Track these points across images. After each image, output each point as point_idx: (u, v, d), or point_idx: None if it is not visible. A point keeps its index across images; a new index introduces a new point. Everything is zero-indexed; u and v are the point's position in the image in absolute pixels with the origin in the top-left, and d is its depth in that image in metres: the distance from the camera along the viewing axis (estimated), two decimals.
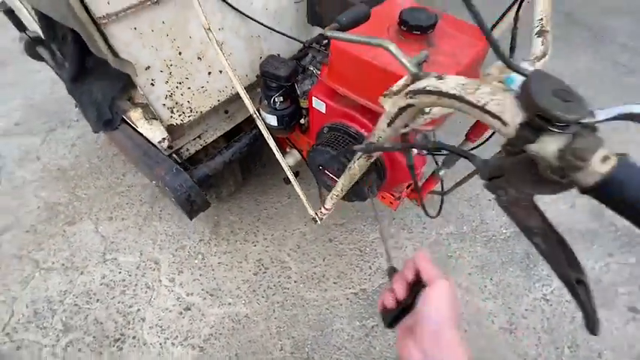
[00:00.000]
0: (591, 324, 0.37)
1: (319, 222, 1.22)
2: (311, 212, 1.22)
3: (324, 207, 1.17)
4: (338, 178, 0.98)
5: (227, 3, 0.91)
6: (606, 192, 0.30)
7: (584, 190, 0.31)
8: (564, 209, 1.64)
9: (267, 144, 1.04)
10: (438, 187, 1.18)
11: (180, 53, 0.89)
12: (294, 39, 1.08)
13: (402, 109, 0.47)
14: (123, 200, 1.79)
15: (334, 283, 1.43)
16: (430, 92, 0.40)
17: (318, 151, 0.99)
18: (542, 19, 0.72)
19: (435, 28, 0.80)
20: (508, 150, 0.35)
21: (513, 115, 0.33)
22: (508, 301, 1.35)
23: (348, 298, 1.39)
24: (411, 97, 0.44)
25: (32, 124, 2.25)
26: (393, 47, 0.50)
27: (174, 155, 1.21)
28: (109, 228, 1.67)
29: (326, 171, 1.02)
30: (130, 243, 1.61)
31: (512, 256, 1.49)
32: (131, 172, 1.90)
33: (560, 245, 0.37)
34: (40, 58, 1.68)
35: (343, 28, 0.60)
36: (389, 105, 0.49)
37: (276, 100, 1.05)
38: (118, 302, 1.42)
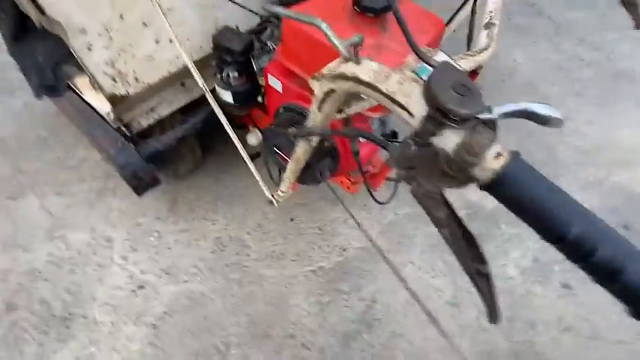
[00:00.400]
0: (492, 314, 0.40)
1: (275, 204, 1.22)
2: (268, 194, 1.21)
3: (280, 190, 1.17)
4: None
5: None
6: (500, 189, 0.31)
7: (483, 187, 0.33)
8: None
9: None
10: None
11: (121, 17, 0.82)
12: (251, 11, 1.03)
13: (327, 94, 0.47)
14: (73, 175, 1.68)
15: (292, 260, 1.46)
16: (347, 77, 0.40)
17: (273, 131, 0.97)
18: (492, 11, 0.73)
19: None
20: (416, 141, 0.36)
21: (419, 107, 0.34)
22: (455, 278, 1.44)
23: (305, 276, 1.42)
24: (332, 82, 0.44)
25: None
26: (324, 26, 0.49)
27: (123, 129, 1.14)
28: (57, 204, 1.58)
29: (281, 152, 1.01)
30: (81, 220, 1.54)
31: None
32: (83, 145, 1.78)
33: (466, 238, 0.39)
34: None
35: (285, 3, 0.57)
36: (317, 88, 0.48)
37: (230, 75, 1.01)
38: (67, 281, 1.37)
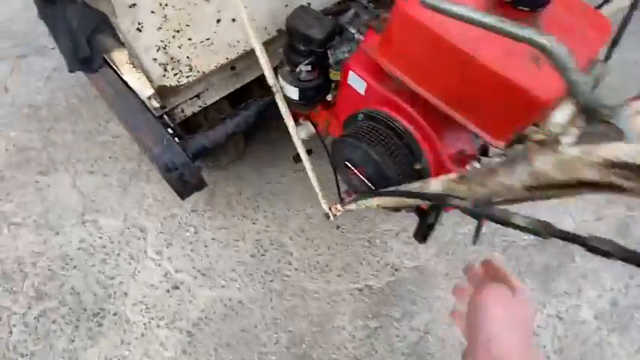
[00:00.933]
0: None
1: (332, 219, 1.05)
2: (325, 207, 1.04)
3: (341, 206, 1.00)
4: (373, 184, 0.79)
5: None
6: None
7: None
8: (590, 220, 1.50)
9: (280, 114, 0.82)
10: None
11: None
12: None
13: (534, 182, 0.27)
14: (105, 152, 1.56)
15: (338, 275, 1.31)
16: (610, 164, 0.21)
17: (349, 144, 0.78)
18: None
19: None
20: None
21: None
22: None
23: (351, 294, 1.28)
24: (602, 168, 0.24)
25: None
26: (561, 50, 0.28)
27: (165, 117, 0.98)
28: (89, 184, 1.48)
29: (355, 170, 0.82)
30: (113, 204, 1.43)
31: (531, 266, 1.38)
32: (116, 119, 1.64)
33: None
34: None
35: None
36: (543, 162, 0.29)
37: (302, 68, 0.80)
38: (98, 272, 1.28)
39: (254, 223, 1.41)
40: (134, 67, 0.92)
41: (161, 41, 0.67)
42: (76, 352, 1.14)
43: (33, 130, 1.61)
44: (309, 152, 1.24)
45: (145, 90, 0.89)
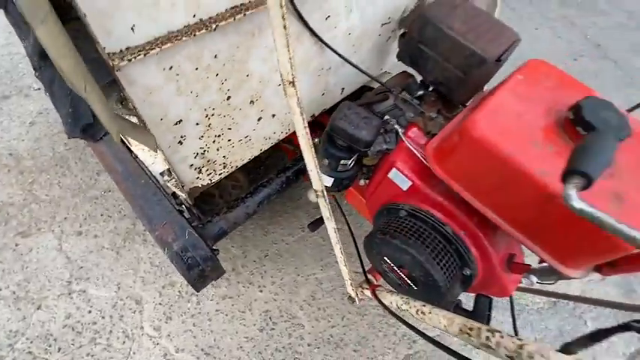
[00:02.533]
0: None
1: (358, 303, 0.99)
2: (350, 291, 0.98)
3: (370, 291, 0.94)
4: (412, 283, 0.74)
5: (310, 29, 0.59)
6: None
7: None
8: (595, 279, 1.53)
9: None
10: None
11: (228, 98, 0.57)
12: (375, 79, 0.78)
13: None
14: (97, 210, 1.44)
15: (354, 351, 1.24)
16: None
17: (391, 242, 0.73)
18: None
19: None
20: None
21: None
22: None
23: None
24: None
25: None
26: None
27: (183, 196, 0.90)
28: (77, 246, 1.34)
29: (396, 268, 0.78)
30: (105, 271, 1.30)
31: (546, 332, 1.36)
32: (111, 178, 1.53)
33: None
34: None
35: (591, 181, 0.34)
36: None
37: (344, 163, 0.76)
38: (87, 354, 1.14)
39: (261, 291, 1.32)
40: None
41: (201, 148, 0.61)
42: None
43: (13, 184, 1.46)
44: (321, 222, 1.19)
45: (157, 167, 0.81)
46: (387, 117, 0.81)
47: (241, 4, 0.46)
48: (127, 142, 0.94)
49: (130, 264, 1.32)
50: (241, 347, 1.20)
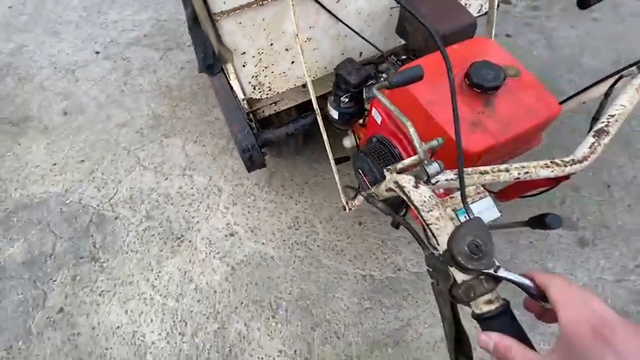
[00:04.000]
0: None
1: (347, 211, 1.38)
2: (343, 200, 1.37)
3: (354, 201, 1.32)
4: (370, 186, 1.10)
5: (323, 7, 0.99)
6: (482, 325, 0.41)
7: (473, 315, 0.43)
8: (609, 280, 1.53)
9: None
10: None
11: (271, 44, 1.03)
12: (375, 47, 1.13)
13: (389, 189, 0.58)
14: (208, 129, 2.13)
15: (349, 260, 1.63)
16: (403, 192, 0.51)
17: (361, 157, 1.11)
18: (614, 115, 0.70)
19: (501, 88, 0.81)
20: (439, 260, 0.46)
21: (443, 245, 0.44)
22: None
23: (355, 277, 1.59)
24: (395, 185, 0.55)
25: (156, 39, 2.66)
26: (411, 129, 0.59)
27: (250, 115, 1.43)
28: (193, 149, 2.05)
29: (362, 175, 1.14)
30: (205, 167, 1.98)
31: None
32: (219, 107, 2.20)
33: (460, 336, 0.49)
34: None
35: (394, 86, 0.68)
36: (387, 178, 0.60)
37: (343, 99, 1.15)
38: (186, 211, 1.83)
39: (297, 204, 1.81)
40: (237, 80, 1.38)
41: (255, 72, 1.09)
42: (162, 258, 1.69)
43: (165, 104, 2.26)
44: (347, 159, 1.60)
45: (241, 94, 1.34)
46: (382, 76, 1.16)
47: None
48: (227, 77, 1.51)
49: (220, 167, 1.97)
50: (274, 233, 1.73)
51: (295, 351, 1.43)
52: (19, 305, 1.59)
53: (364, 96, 1.18)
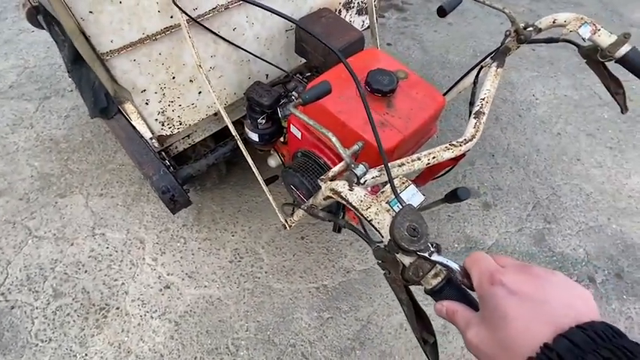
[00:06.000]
0: None
1: (288, 228, 1.38)
2: (282, 219, 1.37)
3: (293, 218, 1.33)
4: (306, 199, 1.12)
5: (220, 37, 1.00)
6: (435, 295, 0.46)
7: (425, 291, 0.47)
8: (512, 232, 1.83)
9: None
10: None
11: (173, 78, 0.99)
12: (279, 68, 1.18)
13: (327, 197, 0.61)
14: (113, 178, 1.90)
15: (300, 277, 1.62)
16: (341, 196, 0.55)
17: (290, 174, 1.12)
18: (484, 99, 0.85)
19: (397, 90, 0.92)
20: (386, 249, 0.50)
21: (386, 235, 0.48)
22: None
23: (310, 292, 1.58)
24: (332, 192, 0.58)
25: (26, 89, 2.29)
26: (334, 139, 0.63)
27: (162, 153, 1.33)
28: (99, 204, 1.80)
29: (297, 191, 1.16)
30: (118, 220, 1.75)
31: None
32: (122, 151, 1.99)
33: (420, 315, 0.53)
34: (40, 26, 1.70)
35: (307, 103, 0.71)
36: (323, 188, 0.63)
37: (260, 121, 1.16)
38: (105, 275, 1.59)
39: (233, 235, 1.73)
40: (140, 115, 1.28)
41: (161, 108, 1.03)
42: (86, 338, 1.43)
43: (53, 160, 1.95)
44: (276, 177, 1.60)
45: (147, 134, 1.24)
46: (292, 93, 1.21)
47: (170, 26, 0.87)
48: (127, 118, 1.38)
49: (137, 216, 1.77)
50: (215, 273, 1.62)
51: None
52: None
53: (280, 115, 1.21)
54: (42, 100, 2.24)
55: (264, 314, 1.51)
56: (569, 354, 0.26)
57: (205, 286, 1.57)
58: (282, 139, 1.30)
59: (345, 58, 0.94)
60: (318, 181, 0.64)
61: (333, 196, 0.58)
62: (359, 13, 1.44)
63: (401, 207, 0.48)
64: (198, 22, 0.90)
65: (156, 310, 1.50)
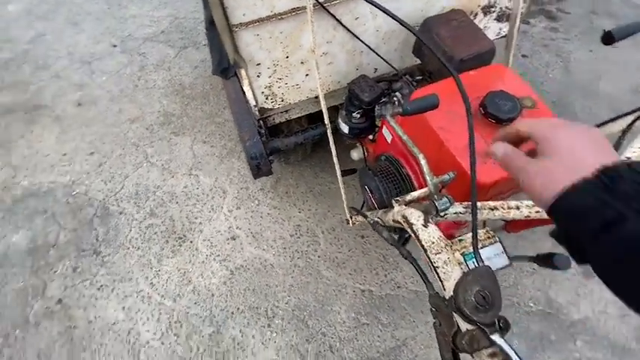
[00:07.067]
0: None
1: (350, 225, 1.37)
2: (347, 214, 1.36)
3: (358, 218, 1.31)
4: (377, 205, 1.09)
5: (341, 24, 0.99)
6: None
7: None
8: (613, 315, 1.50)
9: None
10: None
11: (287, 57, 1.03)
12: (390, 65, 1.12)
13: (395, 221, 0.57)
14: (217, 130, 2.14)
15: (349, 273, 1.62)
16: (411, 228, 0.50)
17: (368, 175, 1.10)
18: (629, 158, 0.68)
19: (517, 119, 0.80)
20: (444, 302, 0.45)
21: (449, 290, 0.43)
22: None
23: (354, 291, 1.58)
24: (403, 219, 0.54)
25: (172, 37, 2.68)
26: (423, 162, 0.58)
27: (260, 121, 1.42)
28: (201, 149, 2.06)
29: (369, 193, 1.14)
30: (211, 168, 1.98)
31: (527, 331, 1.47)
32: (229, 110, 2.21)
33: None
34: None
35: (408, 114, 0.67)
36: (395, 210, 0.59)
37: (354, 115, 1.15)
38: (189, 211, 1.83)
39: (299, 212, 1.80)
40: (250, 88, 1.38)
41: (268, 83, 1.09)
42: (162, 257, 1.69)
43: (177, 102, 2.28)
44: (354, 171, 1.59)
45: (252, 102, 1.34)
46: (395, 95, 1.15)
47: (297, 7, 0.89)
48: (240, 82, 1.51)
49: (226, 169, 1.97)
50: (275, 241, 1.73)
51: None
52: (19, 293, 1.60)
53: (376, 113, 1.17)
54: (181, 49, 2.59)
55: (305, 294, 1.57)
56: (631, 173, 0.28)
57: (264, 249, 1.70)
58: (371, 136, 1.27)
59: (467, 71, 0.85)
60: (393, 201, 0.61)
61: (402, 224, 0.54)
62: (498, 19, 1.27)
63: (476, 265, 0.42)
64: (324, 8, 0.91)
65: (219, 255, 1.69)
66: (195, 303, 1.56)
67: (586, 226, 0.29)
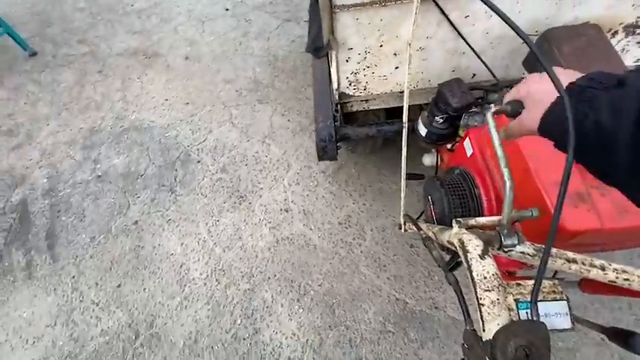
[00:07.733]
0: None
1: (402, 231, 1.31)
2: (401, 219, 1.31)
3: (412, 226, 1.25)
4: (435, 219, 1.03)
5: (449, 20, 0.92)
6: None
7: None
8: None
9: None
10: None
11: (381, 46, 1.00)
12: (492, 73, 1.01)
13: (450, 242, 0.52)
14: (296, 106, 2.21)
15: (388, 278, 1.58)
16: (465, 257, 0.46)
17: (436, 185, 1.03)
18: None
19: None
20: (479, 343, 0.41)
21: (490, 333, 0.38)
22: None
23: (389, 297, 1.54)
24: (459, 244, 0.49)
25: (278, 8, 2.80)
26: (509, 188, 0.51)
27: (339, 106, 1.43)
28: (278, 121, 2.16)
29: (431, 204, 1.07)
30: (282, 141, 2.07)
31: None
32: (311, 89, 2.26)
33: None
34: None
35: (513, 115, 0.58)
36: (454, 230, 0.54)
37: (437, 119, 1.08)
38: (255, 175, 1.95)
39: (354, 203, 1.80)
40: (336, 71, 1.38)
41: (356, 69, 1.08)
42: (223, 210, 1.85)
43: (268, 72, 2.40)
44: (421, 177, 1.51)
45: (335, 85, 1.34)
46: (488, 107, 1.04)
47: None
48: (329, 64, 1.52)
49: (296, 144, 2.04)
50: (323, 224, 1.75)
51: (307, 340, 1.46)
52: (109, 206, 1.91)
53: (462, 122, 1.08)
54: (283, 22, 2.70)
55: (339, 284, 1.58)
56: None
57: (311, 229, 1.74)
58: (449, 145, 1.18)
59: None
60: (454, 220, 0.56)
61: (457, 248, 0.50)
62: None
63: (529, 318, 0.37)
64: (434, 0, 0.85)
65: (270, 222, 1.78)
66: (241, 259, 1.69)
67: (562, 128, 0.39)
